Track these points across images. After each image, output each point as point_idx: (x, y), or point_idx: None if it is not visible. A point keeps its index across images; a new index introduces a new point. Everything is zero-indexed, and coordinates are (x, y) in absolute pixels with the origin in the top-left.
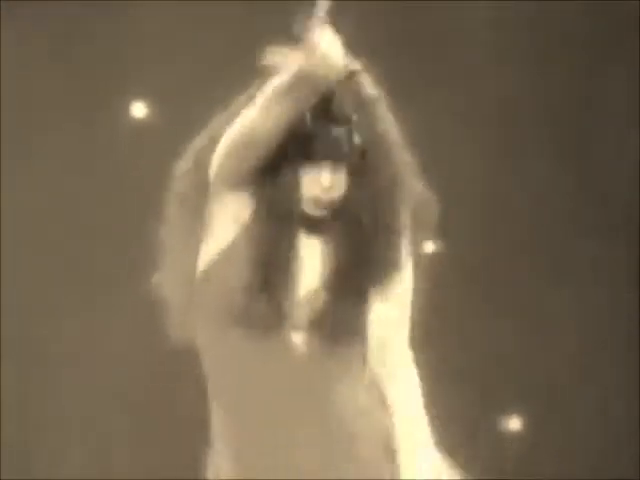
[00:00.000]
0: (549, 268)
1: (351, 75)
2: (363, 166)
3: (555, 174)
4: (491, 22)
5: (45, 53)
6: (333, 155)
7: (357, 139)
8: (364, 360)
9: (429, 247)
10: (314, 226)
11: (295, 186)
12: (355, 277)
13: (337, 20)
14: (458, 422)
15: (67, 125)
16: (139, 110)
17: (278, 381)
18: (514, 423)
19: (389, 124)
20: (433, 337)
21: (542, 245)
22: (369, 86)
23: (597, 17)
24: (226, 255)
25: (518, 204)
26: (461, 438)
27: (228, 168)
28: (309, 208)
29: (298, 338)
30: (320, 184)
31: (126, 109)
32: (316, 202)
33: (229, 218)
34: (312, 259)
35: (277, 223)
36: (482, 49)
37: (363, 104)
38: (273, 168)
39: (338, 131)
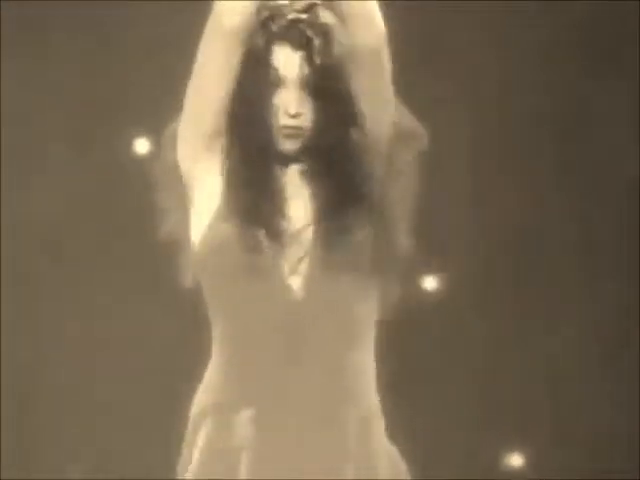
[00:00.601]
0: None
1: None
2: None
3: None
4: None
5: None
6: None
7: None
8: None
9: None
10: (293, 162)
11: (264, 116)
12: (343, 209)
13: None
14: (458, 459)
15: (68, 161)
16: (142, 146)
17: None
18: (516, 460)
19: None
20: (431, 372)
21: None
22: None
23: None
24: (215, 225)
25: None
26: (462, 476)
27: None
28: (282, 143)
29: (295, 282)
30: (287, 108)
31: (129, 145)
32: (285, 131)
33: (208, 190)
34: (299, 197)
35: (254, 166)
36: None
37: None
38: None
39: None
